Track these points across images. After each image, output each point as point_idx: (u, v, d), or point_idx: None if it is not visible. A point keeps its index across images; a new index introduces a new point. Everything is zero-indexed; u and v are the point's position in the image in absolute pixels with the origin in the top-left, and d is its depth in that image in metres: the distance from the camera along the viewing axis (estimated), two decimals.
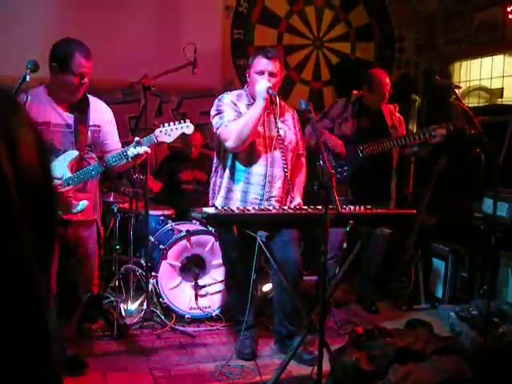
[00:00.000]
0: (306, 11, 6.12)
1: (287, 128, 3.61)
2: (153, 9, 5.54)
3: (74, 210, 3.11)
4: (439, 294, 4.91)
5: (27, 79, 2.78)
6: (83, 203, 3.13)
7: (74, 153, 3.11)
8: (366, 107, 4.54)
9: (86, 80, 3.09)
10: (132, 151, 3.13)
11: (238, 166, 3.56)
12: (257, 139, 3.52)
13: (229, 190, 3.60)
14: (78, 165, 3.14)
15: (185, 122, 3.23)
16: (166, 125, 3.22)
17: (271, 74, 3.47)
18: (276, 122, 3.44)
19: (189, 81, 4.70)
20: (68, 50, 3.03)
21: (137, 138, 3.17)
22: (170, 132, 3.20)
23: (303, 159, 3.78)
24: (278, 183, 3.56)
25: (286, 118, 3.63)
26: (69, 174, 3.08)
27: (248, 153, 3.52)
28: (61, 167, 3.07)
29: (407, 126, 5.43)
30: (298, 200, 3.53)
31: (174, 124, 3.22)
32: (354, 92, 4.60)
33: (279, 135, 3.42)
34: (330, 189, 2.60)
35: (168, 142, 3.23)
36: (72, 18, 5.03)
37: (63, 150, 3.10)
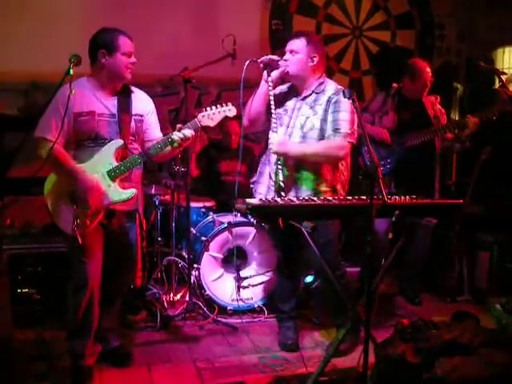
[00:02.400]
0: (345, 0, 6.04)
1: (312, 113, 3.49)
2: (191, 1, 5.55)
3: (123, 198, 3.14)
4: (484, 285, 4.81)
5: (71, 72, 2.79)
6: (131, 191, 3.16)
7: (119, 142, 3.14)
8: (406, 99, 4.46)
9: (134, 59, 3.16)
10: (177, 134, 3.14)
11: (266, 151, 3.61)
12: (280, 128, 3.52)
13: (260, 174, 3.72)
14: (123, 154, 3.16)
15: (227, 105, 3.23)
16: (208, 109, 3.23)
17: (290, 52, 3.49)
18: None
19: (227, 73, 4.66)
20: (112, 34, 3.11)
21: (179, 125, 3.19)
22: (212, 116, 3.20)
23: (334, 139, 3.41)
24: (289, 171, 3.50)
25: (320, 102, 3.48)
26: (115, 163, 3.11)
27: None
28: (107, 157, 3.10)
29: (449, 115, 5.32)
30: (276, 138, 3.42)
31: (217, 107, 3.22)
32: (394, 85, 4.52)
33: (274, 114, 3.43)
34: (376, 178, 2.56)
35: (211, 125, 3.23)
36: (110, 14, 5.08)
37: (109, 140, 3.13)
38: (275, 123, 3.48)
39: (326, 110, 3.45)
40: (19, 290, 4.09)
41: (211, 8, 5.58)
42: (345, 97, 2.95)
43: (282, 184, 3.42)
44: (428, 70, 4.37)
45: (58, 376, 3.24)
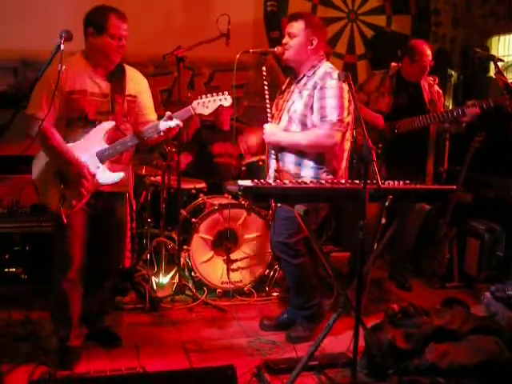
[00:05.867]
0: None
1: (298, 97, 3.43)
2: None
3: (111, 181, 3.10)
4: (474, 272, 4.82)
5: (61, 48, 2.72)
6: (119, 174, 3.11)
7: (111, 123, 3.08)
8: (404, 81, 4.40)
9: (123, 42, 3.06)
10: (163, 124, 3.09)
11: None
12: (275, 111, 3.52)
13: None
14: (113, 135, 3.11)
15: (223, 93, 3.16)
16: (203, 97, 3.14)
17: (289, 34, 3.45)
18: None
19: (221, 54, 4.63)
20: (103, 13, 3.01)
21: (168, 113, 3.11)
22: (207, 104, 3.13)
23: (322, 128, 3.33)
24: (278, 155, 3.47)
25: (307, 86, 3.42)
26: (105, 145, 3.06)
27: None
28: (97, 138, 3.05)
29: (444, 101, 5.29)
30: (268, 128, 3.43)
31: (212, 96, 3.15)
32: (393, 64, 4.46)
33: (268, 100, 3.40)
34: (370, 163, 2.53)
35: (205, 114, 3.15)
36: None
37: (99, 120, 3.07)
38: (269, 112, 3.45)
39: (310, 96, 3.37)
40: (6, 270, 4.06)
41: None
42: (340, 79, 2.91)
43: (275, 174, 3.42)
44: (429, 53, 4.30)
45: (44, 357, 3.20)
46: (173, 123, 3.08)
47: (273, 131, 3.42)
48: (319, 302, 3.67)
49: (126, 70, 3.22)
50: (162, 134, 3.12)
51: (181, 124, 3.12)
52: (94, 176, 3.04)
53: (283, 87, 3.64)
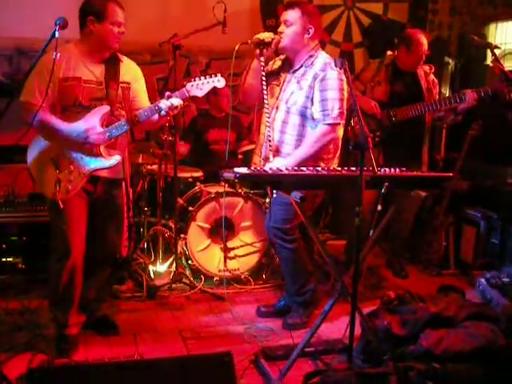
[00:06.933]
0: None
1: (297, 88, 3.42)
2: None
3: (106, 165, 3.10)
4: (470, 260, 4.84)
5: (56, 35, 2.71)
6: (116, 157, 3.12)
7: (106, 107, 3.08)
8: (400, 70, 4.38)
9: (123, 29, 3.09)
10: (164, 103, 3.08)
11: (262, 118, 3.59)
12: (270, 99, 3.49)
13: (256, 145, 3.73)
14: (109, 120, 3.10)
15: (216, 75, 3.17)
16: (197, 79, 3.17)
17: (285, 23, 3.43)
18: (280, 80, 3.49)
19: (217, 42, 4.62)
20: (103, 1, 3.03)
21: (168, 93, 3.13)
22: (201, 86, 3.14)
23: (320, 126, 3.34)
24: (275, 145, 3.46)
25: (307, 76, 3.41)
26: (100, 129, 3.05)
27: (261, 113, 3.56)
28: (92, 122, 3.04)
29: (440, 90, 5.28)
30: (274, 163, 3.26)
31: (205, 78, 3.16)
32: (389, 53, 4.44)
33: (265, 92, 3.39)
34: (366, 150, 2.53)
35: (199, 95, 3.17)
36: None
37: (94, 106, 3.07)
38: (266, 103, 3.42)
39: (311, 87, 3.37)
40: (4, 259, 4.07)
41: None
42: (336, 66, 2.90)
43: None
44: (425, 42, 4.28)
45: (43, 345, 3.22)
46: (175, 101, 3.09)
47: (279, 166, 3.08)
48: (314, 288, 3.69)
49: (119, 57, 3.23)
50: (163, 113, 3.11)
51: (182, 102, 3.13)
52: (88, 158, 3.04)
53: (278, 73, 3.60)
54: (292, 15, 3.40)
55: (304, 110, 3.39)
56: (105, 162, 3.10)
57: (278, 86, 3.54)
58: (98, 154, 3.08)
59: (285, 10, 3.48)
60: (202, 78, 3.17)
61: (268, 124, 3.45)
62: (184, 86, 3.20)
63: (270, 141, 3.42)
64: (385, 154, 4.28)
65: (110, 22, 3.03)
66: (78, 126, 3.02)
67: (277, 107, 3.49)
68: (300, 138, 3.42)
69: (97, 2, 3.04)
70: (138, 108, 3.23)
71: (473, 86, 4.18)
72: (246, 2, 5.64)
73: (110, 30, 3.03)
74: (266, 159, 3.44)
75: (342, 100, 3.34)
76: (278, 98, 3.51)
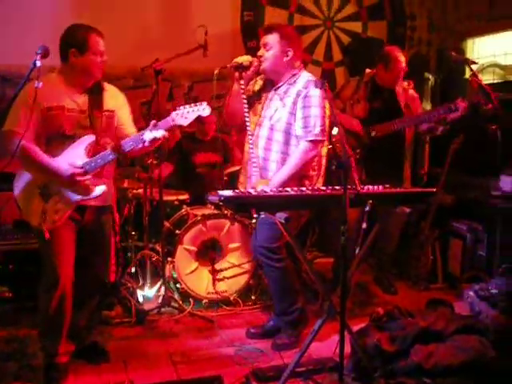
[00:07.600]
0: None
1: (281, 105, 3.47)
2: None
3: (93, 195, 3.10)
4: (457, 273, 4.87)
5: (38, 64, 2.72)
6: (101, 188, 3.11)
7: (91, 137, 3.08)
8: (379, 87, 4.44)
9: (105, 58, 3.11)
10: (148, 135, 3.08)
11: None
12: (253, 117, 3.55)
13: (243, 167, 3.72)
14: (94, 150, 3.10)
15: (201, 104, 3.17)
16: (181, 107, 3.15)
17: (264, 46, 3.49)
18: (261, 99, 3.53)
19: (199, 64, 4.66)
20: (82, 33, 3.04)
21: (153, 121, 3.13)
22: (186, 114, 3.13)
23: (302, 143, 3.40)
24: (259, 163, 3.49)
25: (290, 94, 3.47)
26: (86, 159, 3.06)
27: (243, 132, 3.59)
28: (78, 152, 3.05)
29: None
30: (258, 184, 3.35)
31: (191, 106, 3.16)
32: (367, 71, 4.50)
33: (247, 112, 3.43)
34: (349, 168, 2.56)
35: (185, 124, 3.15)
36: (80, 4, 5.05)
37: (78, 136, 3.07)
38: (248, 123, 3.46)
39: (294, 103, 3.42)
40: None
41: None
42: (316, 87, 2.94)
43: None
44: (403, 59, 4.35)
45: (31, 374, 3.19)
46: (159, 134, 3.08)
47: (263, 187, 3.19)
48: (302, 307, 3.69)
49: (103, 85, 3.24)
50: (146, 144, 3.11)
51: (166, 134, 3.12)
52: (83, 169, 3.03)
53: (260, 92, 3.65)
54: (271, 39, 3.46)
55: (288, 126, 3.44)
56: (90, 193, 3.09)
57: (260, 104, 3.59)
58: (83, 186, 3.07)
59: (264, 34, 3.53)
60: (187, 106, 3.14)
61: (251, 143, 3.48)
62: (168, 111, 3.20)
63: (253, 158, 3.45)
64: (366, 170, 4.31)
65: (93, 52, 3.04)
66: (61, 164, 3.01)
67: (259, 124, 3.53)
68: (284, 155, 3.45)
69: (78, 33, 3.04)
70: (123, 135, 3.23)
71: (454, 99, 4.23)
72: (227, 24, 5.71)
73: (92, 61, 3.05)
74: (251, 177, 3.47)
75: (323, 117, 3.39)
76: (260, 116, 3.54)
